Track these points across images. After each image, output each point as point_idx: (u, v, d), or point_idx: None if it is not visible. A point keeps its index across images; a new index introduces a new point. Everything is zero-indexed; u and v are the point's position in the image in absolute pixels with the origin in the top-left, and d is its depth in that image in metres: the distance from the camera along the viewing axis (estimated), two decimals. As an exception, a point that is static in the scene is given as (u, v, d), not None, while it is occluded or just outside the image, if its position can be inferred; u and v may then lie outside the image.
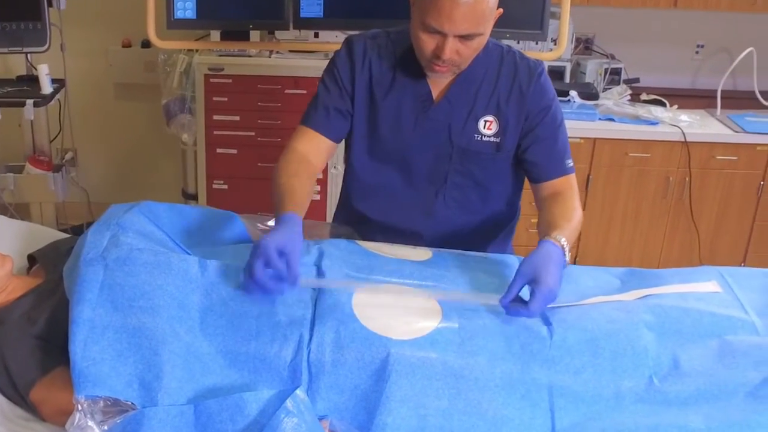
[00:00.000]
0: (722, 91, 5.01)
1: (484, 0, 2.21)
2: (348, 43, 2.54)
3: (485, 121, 2.47)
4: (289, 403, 1.79)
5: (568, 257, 2.18)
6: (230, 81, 4.52)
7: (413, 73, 2.45)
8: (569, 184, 2.51)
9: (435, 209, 2.57)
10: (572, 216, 2.36)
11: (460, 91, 2.46)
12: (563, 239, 2.19)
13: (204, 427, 1.79)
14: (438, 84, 2.47)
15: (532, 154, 2.50)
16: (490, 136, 2.48)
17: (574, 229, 2.32)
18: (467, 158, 2.50)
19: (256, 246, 2.02)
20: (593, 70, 5.09)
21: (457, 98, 2.46)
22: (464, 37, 2.26)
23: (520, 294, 2.09)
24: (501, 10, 2.31)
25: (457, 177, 2.53)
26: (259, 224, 2.51)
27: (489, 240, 2.65)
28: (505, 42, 2.61)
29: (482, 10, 2.22)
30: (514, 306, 2.05)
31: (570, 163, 2.53)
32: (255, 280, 1.99)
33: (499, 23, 2.37)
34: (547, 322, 2.05)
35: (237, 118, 4.59)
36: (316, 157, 2.48)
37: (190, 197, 4.99)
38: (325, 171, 4.59)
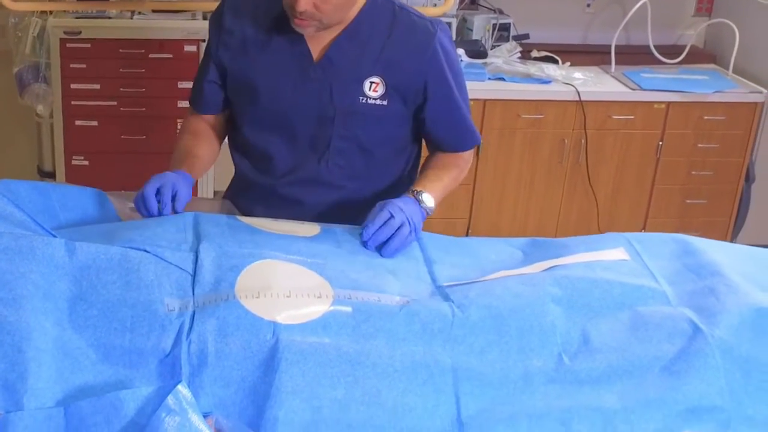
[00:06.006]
0: (616, 46, 5.08)
1: None
2: (221, 3, 2.53)
3: (371, 83, 2.45)
4: (170, 400, 1.73)
5: (429, 207, 2.42)
6: (89, 46, 4.43)
7: (291, 33, 2.41)
8: (467, 155, 2.66)
9: (318, 176, 2.54)
10: (445, 176, 2.57)
11: (342, 50, 2.43)
12: (424, 193, 2.43)
13: (76, 430, 1.72)
14: (318, 42, 2.44)
15: (434, 126, 2.54)
16: (375, 99, 2.46)
17: (443, 186, 2.55)
18: (351, 122, 2.48)
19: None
20: (480, 26, 5.09)
21: (339, 57, 2.44)
22: None
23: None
24: None
25: (341, 142, 2.51)
26: (128, 202, 2.44)
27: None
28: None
29: None
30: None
31: (476, 132, 2.63)
32: (144, 196, 2.25)
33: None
34: (448, 299, 2.03)
35: (97, 86, 4.50)
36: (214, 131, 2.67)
37: (47, 175, 4.86)
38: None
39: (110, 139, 4.58)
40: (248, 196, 2.63)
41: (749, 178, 5.12)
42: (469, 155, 2.66)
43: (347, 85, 2.45)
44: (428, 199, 2.42)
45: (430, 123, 2.53)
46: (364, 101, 2.46)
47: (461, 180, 2.68)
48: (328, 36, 2.42)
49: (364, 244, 2.25)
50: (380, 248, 2.25)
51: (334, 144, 2.50)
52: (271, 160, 2.54)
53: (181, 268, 1.98)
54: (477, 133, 2.63)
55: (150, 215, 2.28)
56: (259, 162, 2.58)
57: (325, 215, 2.48)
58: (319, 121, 2.49)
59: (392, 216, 2.27)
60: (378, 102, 2.46)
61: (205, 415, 1.79)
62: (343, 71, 2.45)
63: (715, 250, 2.35)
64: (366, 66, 2.44)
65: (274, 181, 2.56)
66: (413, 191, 2.43)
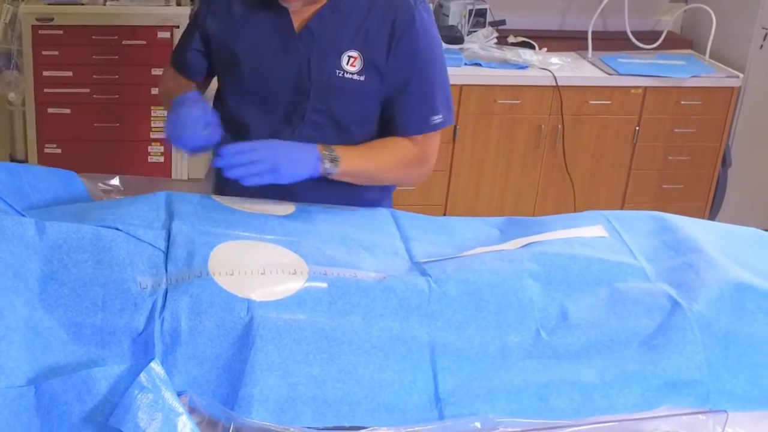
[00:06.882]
0: (593, 32, 5.08)
1: None
2: None
3: (349, 57, 2.44)
4: (143, 377, 1.71)
5: (329, 169, 2.35)
6: (61, 32, 4.39)
7: (277, 6, 2.42)
8: (425, 145, 2.53)
9: None
10: (382, 155, 2.49)
11: (323, 22, 2.43)
12: (335, 153, 2.37)
13: (47, 409, 1.69)
14: (302, 15, 2.44)
15: (398, 104, 2.49)
16: (353, 74, 2.44)
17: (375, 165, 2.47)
18: (327, 95, 2.47)
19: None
20: (457, 11, 5.07)
21: (319, 29, 2.44)
22: None
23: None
24: None
25: (315, 115, 2.49)
26: (100, 184, 2.42)
27: (358, 192, 2.58)
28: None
29: None
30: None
31: (436, 119, 2.50)
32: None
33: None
34: (425, 274, 2.02)
35: (70, 73, 4.47)
36: None
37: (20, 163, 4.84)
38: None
39: (83, 127, 4.54)
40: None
41: (726, 163, 5.13)
42: (429, 148, 2.54)
43: (325, 57, 2.44)
44: (333, 162, 2.36)
45: (394, 99, 2.48)
46: (341, 75, 2.44)
47: (411, 179, 2.66)
48: (313, 9, 2.43)
49: (220, 157, 2.26)
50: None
51: (308, 117, 2.49)
52: (248, 132, 2.53)
53: (153, 246, 1.96)
54: (445, 115, 2.52)
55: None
56: (238, 135, 2.54)
57: (300, 190, 2.44)
58: (296, 92, 2.48)
59: (255, 149, 2.27)
60: (355, 77, 2.44)
61: (179, 394, 1.77)
62: (323, 44, 2.44)
63: (692, 227, 2.35)
64: (345, 40, 2.43)
65: None
66: (328, 147, 2.38)
